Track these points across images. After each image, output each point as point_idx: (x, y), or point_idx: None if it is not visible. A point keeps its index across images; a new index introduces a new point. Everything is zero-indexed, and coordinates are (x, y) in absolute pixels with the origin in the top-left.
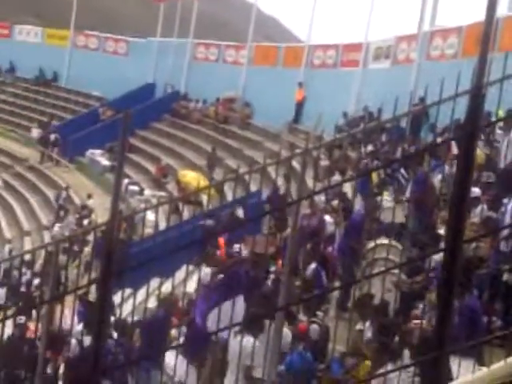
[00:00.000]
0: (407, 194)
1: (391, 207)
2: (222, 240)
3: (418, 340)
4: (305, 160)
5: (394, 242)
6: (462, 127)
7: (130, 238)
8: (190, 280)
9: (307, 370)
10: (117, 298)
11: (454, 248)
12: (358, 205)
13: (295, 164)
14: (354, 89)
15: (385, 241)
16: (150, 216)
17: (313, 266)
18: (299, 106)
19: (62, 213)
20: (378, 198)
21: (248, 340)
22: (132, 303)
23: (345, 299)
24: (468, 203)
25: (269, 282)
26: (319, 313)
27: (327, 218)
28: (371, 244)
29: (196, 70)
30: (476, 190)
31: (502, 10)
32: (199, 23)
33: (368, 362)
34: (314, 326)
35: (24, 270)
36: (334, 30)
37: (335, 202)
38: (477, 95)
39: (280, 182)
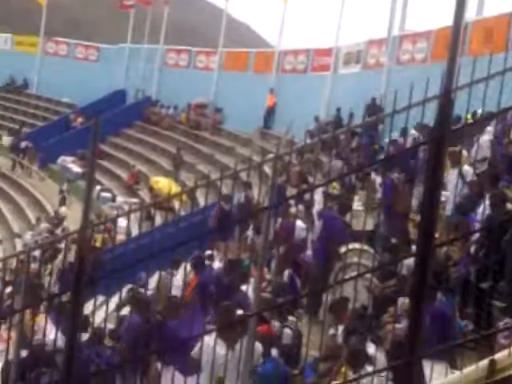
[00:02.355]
0: (378, 199)
1: (361, 212)
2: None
3: (391, 344)
4: (276, 165)
5: (365, 247)
6: (432, 131)
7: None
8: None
9: (281, 377)
10: (89, 306)
11: (425, 252)
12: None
13: (267, 169)
14: (325, 93)
15: (356, 245)
16: (122, 223)
17: (287, 271)
18: (270, 111)
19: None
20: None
21: (220, 348)
22: (105, 310)
23: (316, 304)
24: (438, 207)
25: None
26: (291, 318)
27: (299, 223)
28: (343, 248)
29: (167, 75)
30: (447, 194)
31: (470, 14)
32: (170, 29)
33: (343, 368)
34: (287, 331)
35: None
36: (305, 35)
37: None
38: (446, 100)
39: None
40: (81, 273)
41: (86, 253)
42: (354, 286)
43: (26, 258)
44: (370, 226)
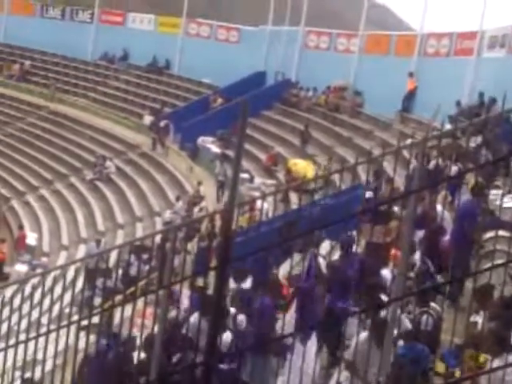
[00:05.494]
0: None
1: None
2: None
3: None
4: (424, 150)
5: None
6: None
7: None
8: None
9: (420, 361)
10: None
11: None
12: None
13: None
14: (468, 78)
15: (505, 233)
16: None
17: (417, 255)
18: (410, 95)
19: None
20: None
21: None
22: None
23: (456, 291)
24: None
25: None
26: (433, 304)
27: (440, 208)
28: (490, 234)
29: (307, 58)
30: None
31: None
32: (310, 11)
33: (484, 355)
34: (428, 317)
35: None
36: (447, 18)
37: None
38: None
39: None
40: (226, 252)
41: (231, 233)
42: (504, 274)
43: (172, 236)
44: None
